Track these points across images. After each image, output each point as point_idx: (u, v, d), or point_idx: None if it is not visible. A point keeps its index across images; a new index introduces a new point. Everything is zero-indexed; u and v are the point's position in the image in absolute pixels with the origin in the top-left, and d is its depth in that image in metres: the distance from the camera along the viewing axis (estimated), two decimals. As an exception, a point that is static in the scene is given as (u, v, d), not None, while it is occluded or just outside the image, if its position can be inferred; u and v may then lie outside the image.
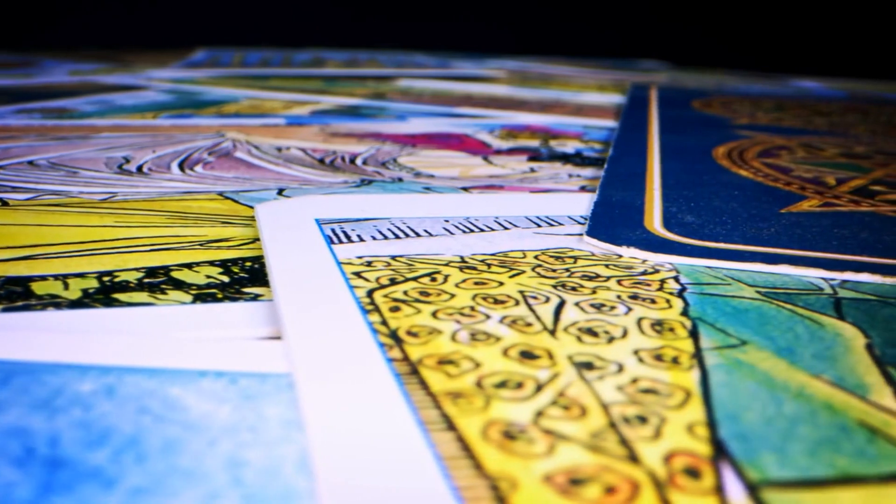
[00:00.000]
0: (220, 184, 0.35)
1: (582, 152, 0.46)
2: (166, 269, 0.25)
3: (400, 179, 0.37)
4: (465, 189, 0.36)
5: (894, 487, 0.14)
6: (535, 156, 0.44)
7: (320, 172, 0.38)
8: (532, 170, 0.41)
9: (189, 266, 0.25)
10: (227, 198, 0.33)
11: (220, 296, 0.23)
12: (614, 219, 0.29)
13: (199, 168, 0.37)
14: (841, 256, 0.26)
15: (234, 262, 0.26)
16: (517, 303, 0.22)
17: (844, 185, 0.37)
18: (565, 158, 0.44)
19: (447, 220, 0.29)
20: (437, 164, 0.41)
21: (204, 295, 0.23)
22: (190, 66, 0.93)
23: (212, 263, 0.25)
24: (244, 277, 0.24)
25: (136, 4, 1.25)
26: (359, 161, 0.41)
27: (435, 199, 0.32)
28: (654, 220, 0.29)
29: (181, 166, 0.38)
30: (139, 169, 0.37)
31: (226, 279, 0.24)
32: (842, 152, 0.46)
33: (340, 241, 0.26)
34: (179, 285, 0.23)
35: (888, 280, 0.25)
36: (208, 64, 0.96)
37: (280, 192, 0.34)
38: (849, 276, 0.25)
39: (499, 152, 0.45)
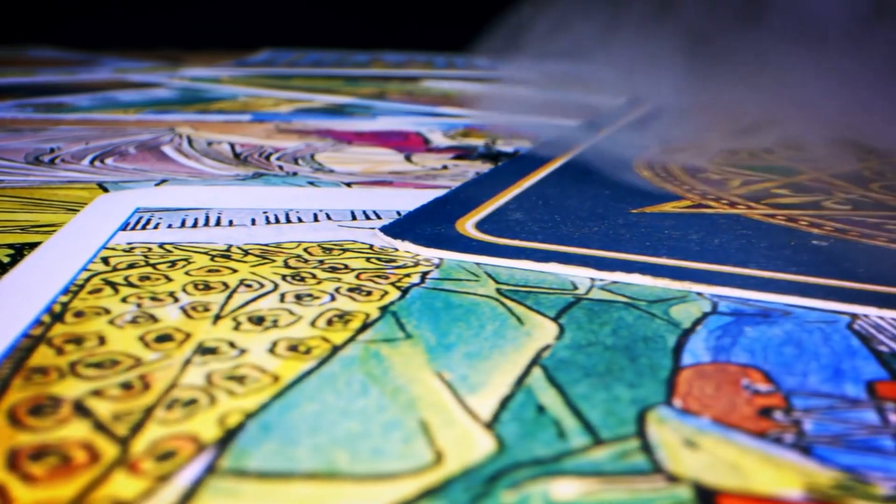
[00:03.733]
0: (113, 175, 0.37)
1: (520, 151, 0.45)
2: (-39, 249, 0.26)
3: (295, 174, 0.38)
4: (349, 185, 0.36)
5: (352, 485, 0.13)
6: (462, 154, 0.44)
7: (224, 166, 0.39)
8: (444, 167, 0.40)
9: (-14, 247, 0.26)
10: (103, 188, 0.34)
11: (-20, 274, 0.24)
12: (431, 214, 0.29)
13: (110, 160, 0.39)
14: (631, 257, 0.25)
15: (34, 245, 0.27)
16: (224, 289, 0.22)
17: (744, 188, 0.35)
18: (494, 157, 0.43)
19: (265, 212, 0.29)
20: (351, 160, 0.42)
21: (-35, 273, 0.24)
22: (239, 65, 0.97)
23: (11, 246, 0.27)
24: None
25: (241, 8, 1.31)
26: (274, 156, 0.42)
27: (272, 192, 0.32)
28: (475, 217, 0.29)
29: (97, 158, 0.40)
30: (52, 160, 0.39)
31: (6, 261, 0.25)
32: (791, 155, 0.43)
33: (133, 228, 0.27)
34: (-44, 263, 0.25)
35: (659, 282, 0.23)
36: (259, 64, 1.00)
37: (160, 182, 0.35)
38: (619, 276, 0.24)
39: (431, 150, 0.45)
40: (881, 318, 0.22)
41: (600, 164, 0.39)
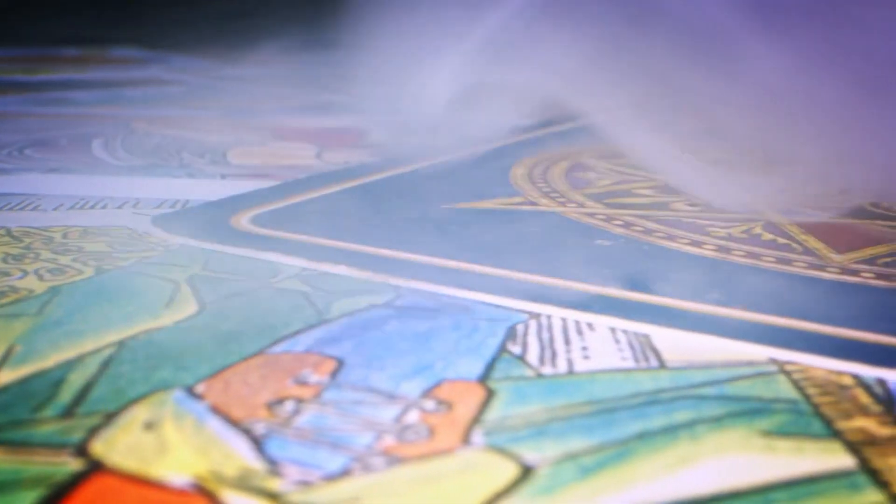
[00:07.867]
0: (17, 164, 0.39)
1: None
2: None
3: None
4: (223, 176, 0.37)
5: None
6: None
7: (131, 158, 0.41)
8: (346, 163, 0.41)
9: None
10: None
11: None
12: (215, 206, 0.29)
13: (28, 151, 0.42)
14: (364, 248, 0.25)
15: None
16: (-65, 264, 0.23)
17: (601, 188, 0.33)
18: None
19: (82, 199, 0.31)
20: (264, 154, 0.43)
21: None
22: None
23: None
24: None
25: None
26: (187, 151, 0.43)
27: (109, 182, 0.34)
28: (258, 211, 0.29)
29: (25, 148, 0.43)
30: (-22, 149, 0.42)
31: None
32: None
33: (-58, 209, 0.29)
34: None
35: (362, 274, 0.23)
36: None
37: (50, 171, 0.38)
38: (327, 267, 0.23)
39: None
40: (564, 319, 0.21)
41: (479, 163, 0.38)
